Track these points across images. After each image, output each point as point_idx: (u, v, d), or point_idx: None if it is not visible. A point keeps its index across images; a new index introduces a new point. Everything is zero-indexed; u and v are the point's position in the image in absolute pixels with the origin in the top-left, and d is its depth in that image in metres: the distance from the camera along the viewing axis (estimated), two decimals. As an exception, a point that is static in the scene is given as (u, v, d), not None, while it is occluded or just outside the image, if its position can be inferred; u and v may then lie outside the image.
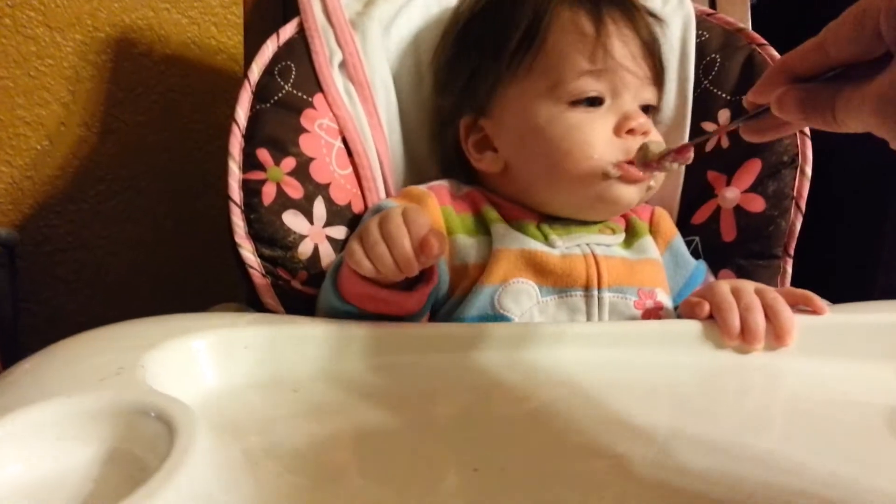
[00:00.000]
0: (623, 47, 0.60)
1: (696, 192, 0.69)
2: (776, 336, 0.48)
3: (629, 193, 0.60)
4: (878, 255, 1.00)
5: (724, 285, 0.51)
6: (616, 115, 0.60)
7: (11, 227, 0.98)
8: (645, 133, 0.60)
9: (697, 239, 0.68)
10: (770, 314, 0.48)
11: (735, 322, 0.48)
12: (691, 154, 0.55)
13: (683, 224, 0.69)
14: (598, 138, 0.59)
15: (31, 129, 1.01)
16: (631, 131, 0.59)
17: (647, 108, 0.63)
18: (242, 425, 0.40)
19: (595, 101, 0.60)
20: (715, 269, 0.66)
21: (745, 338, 0.48)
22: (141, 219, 1.06)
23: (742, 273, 0.65)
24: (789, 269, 0.65)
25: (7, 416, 0.34)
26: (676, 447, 0.39)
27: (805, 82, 0.36)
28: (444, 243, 0.49)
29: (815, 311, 0.50)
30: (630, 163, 0.58)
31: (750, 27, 0.76)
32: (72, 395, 0.36)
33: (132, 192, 1.05)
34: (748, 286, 0.51)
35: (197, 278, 1.09)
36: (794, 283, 0.66)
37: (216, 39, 1.07)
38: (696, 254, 0.67)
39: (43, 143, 1.01)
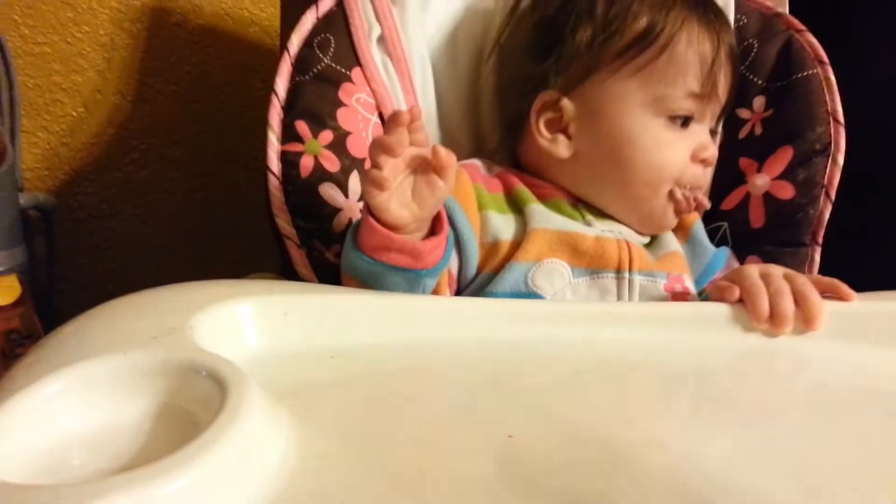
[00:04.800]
0: (724, 78, 0.61)
1: (727, 178, 0.69)
2: (805, 320, 0.48)
3: (673, 222, 0.63)
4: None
5: (754, 269, 0.51)
6: (695, 139, 0.61)
7: (48, 194, 1.00)
8: (709, 165, 0.62)
9: (726, 225, 0.69)
10: (799, 299, 0.49)
11: (765, 305, 0.48)
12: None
13: (712, 210, 0.69)
14: (681, 161, 0.60)
15: (68, 96, 1.02)
16: (703, 161, 0.61)
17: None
18: (282, 388, 0.41)
19: (686, 122, 0.60)
20: (742, 255, 0.67)
21: (774, 321, 0.48)
22: (173, 189, 1.08)
23: (769, 259, 0.65)
24: (817, 258, 0.65)
25: (63, 370, 0.35)
26: (702, 425, 0.40)
27: None
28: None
29: (841, 298, 0.50)
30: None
31: (787, 10, 0.76)
32: (126, 352, 0.37)
33: (164, 162, 1.07)
34: (777, 271, 0.51)
35: (227, 248, 1.11)
36: (825, 273, 0.66)
37: (249, 11, 1.08)
38: (724, 240, 0.68)
39: (79, 109, 1.03)
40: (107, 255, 1.07)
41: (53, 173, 1.03)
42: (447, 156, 0.48)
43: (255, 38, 1.09)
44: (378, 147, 0.48)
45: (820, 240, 0.65)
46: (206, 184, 1.09)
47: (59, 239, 1.01)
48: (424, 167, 0.49)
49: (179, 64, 1.06)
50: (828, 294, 0.50)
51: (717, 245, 0.67)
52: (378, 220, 0.50)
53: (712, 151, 0.61)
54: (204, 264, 1.10)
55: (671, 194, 0.61)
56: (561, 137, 0.62)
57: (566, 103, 0.62)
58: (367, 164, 0.50)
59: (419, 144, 0.49)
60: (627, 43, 0.59)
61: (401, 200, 0.49)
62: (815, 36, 0.69)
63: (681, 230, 0.66)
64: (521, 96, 0.64)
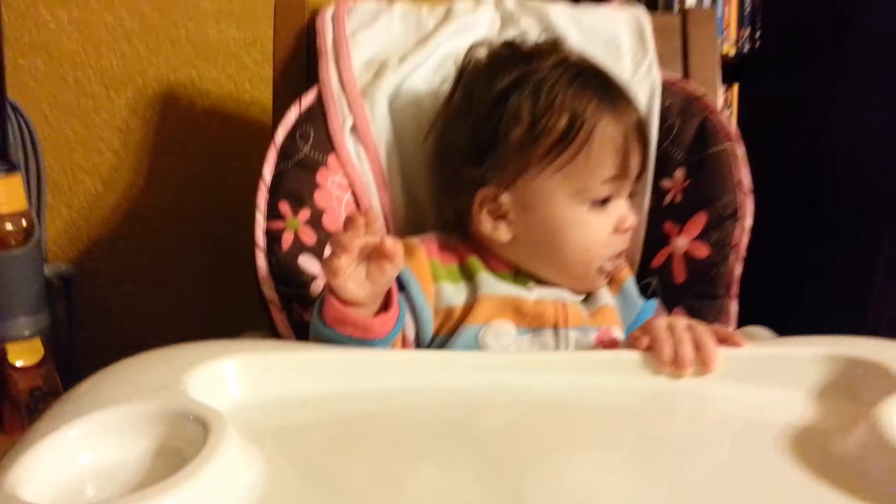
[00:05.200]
0: (636, 155, 0.69)
1: (654, 240, 0.79)
2: (702, 363, 0.55)
3: (604, 283, 0.72)
4: (872, 290, 1.07)
5: (662, 321, 0.59)
6: (615, 214, 0.69)
7: (69, 263, 1.10)
8: (630, 230, 0.71)
9: (656, 280, 0.77)
10: (698, 346, 0.56)
11: (669, 351, 0.56)
12: None
13: (644, 267, 0.79)
14: (605, 237, 0.69)
15: (88, 175, 1.13)
16: (625, 230, 0.70)
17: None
18: (260, 431, 0.48)
19: (606, 201, 0.69)
20: (669, 307, 0.75)
21: (676, 365, 0.55)
22: (180, 257, 1.17)
23: (691, 311, 0.73)
24: (732, 309, 0.73)
25: (81, 418, 0.44)
26: (613, 457, 0.48)
27: None
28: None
29: (734, 345, 0.57)
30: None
31: (719, 86, 0.87)
32: (130, 403, 0.46)
33: (173, 232, 1.16)
34: (681, 322, 0.59)
35: (228, 309, 1.20)
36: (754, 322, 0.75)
37: (250, 94, 1.19)
38: (654, 293, 0.77)
39: (97, 186, 1.13)
40: (120, 317, 1.16)
41: (74, 245, 1.13)
42: (392, 246, 0.57)
43: (256, 117, 1.20)
44: (336, 243, 0.57)
45: (733, 293, 0.73)
46: (210, 252, 1.18)
47: (78, 304, 1.10)
48: (377, 254, 0.58)
49: (188, 143, 1.16)
50: (724, 342, 0.58)
51: (650, 298, 0.76)
52: (337, 297, 0.58)
53: (631, 221, 0.70)
54: (207, 324, 1.19)
55: (600, 269, 0.70)
56: (502, 225, 0.69)
57: (504, 198, 0.69)
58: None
59: (373, 234, 0.57)
60: (552, 143, 0.66)
61: (356, 282, 0.58)
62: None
63: (614, 283, 0.74)
64: (462, 193, 0.71)
